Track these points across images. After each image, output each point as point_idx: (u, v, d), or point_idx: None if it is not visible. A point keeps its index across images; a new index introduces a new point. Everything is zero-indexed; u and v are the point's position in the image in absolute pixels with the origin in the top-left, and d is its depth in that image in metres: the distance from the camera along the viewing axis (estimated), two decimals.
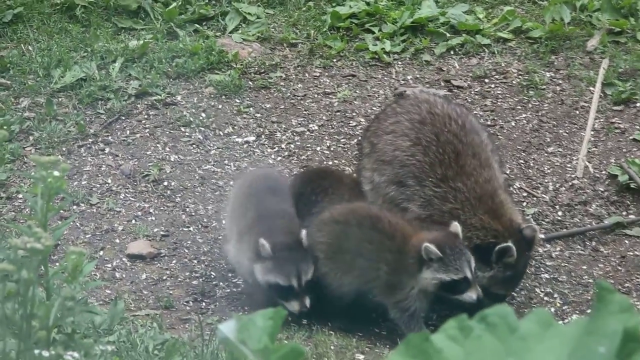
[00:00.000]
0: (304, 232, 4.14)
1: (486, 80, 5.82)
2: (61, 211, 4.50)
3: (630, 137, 5.39)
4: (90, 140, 5.33)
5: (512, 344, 1.65)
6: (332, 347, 3.84)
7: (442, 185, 4.29)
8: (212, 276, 4.46)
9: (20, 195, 4.89)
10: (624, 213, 4.91)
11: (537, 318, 1.69)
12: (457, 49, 6.04)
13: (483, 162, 4.42)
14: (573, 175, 5.14)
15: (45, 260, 2.85)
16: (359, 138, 4.80)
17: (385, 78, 5.84)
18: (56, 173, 2.81)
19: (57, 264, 3.89)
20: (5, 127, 5.13)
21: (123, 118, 5.49)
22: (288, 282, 4.07)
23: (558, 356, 1.63)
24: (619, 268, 4.55)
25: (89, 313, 3.07)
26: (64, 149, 5.27)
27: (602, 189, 5.07)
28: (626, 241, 4.74)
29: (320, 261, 4.18)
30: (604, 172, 5.16)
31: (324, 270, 4.18)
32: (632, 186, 5.02)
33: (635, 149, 5.31)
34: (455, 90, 5.76)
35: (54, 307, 2.63)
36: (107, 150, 5.27)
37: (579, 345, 1.62)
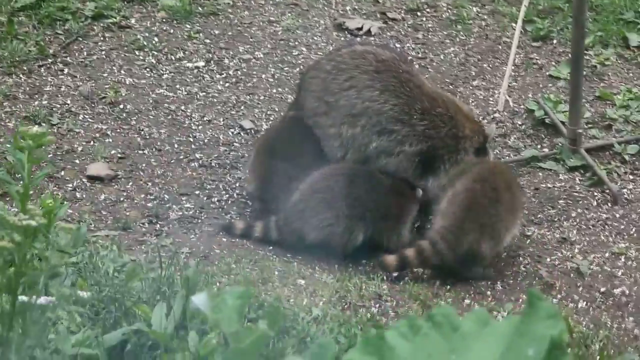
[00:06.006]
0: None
1: (418, 14, 5.88)
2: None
3: (547, 73, 5.52)
4: (49, 60, 5.31)
5: (455, 342, 1.78)
6: (275, 273, 3.97)
7: (426, 116, 4.44)
8: (166, 199, 4.53)
9: None
10: (539, 147, 5.06)
11: (475, 317, 1.82)
12: None
13: (429, 83, 4.66)
14: (495, 109, 5.27)
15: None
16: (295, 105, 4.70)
17: (326, 8, 5.86)
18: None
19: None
20: None
21: (80, 39, 5.46)
22: None
23: (493, 354, 1.76)
24: (533, 199, 4.71)
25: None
26: (25, 68, 5.24)
27: (520, 123, 5.20)
28: (540, 174, 4.89)
29: None
30: (522, 107, 5.29)
31: None
32: (547, 121, 5.16)
33: (550, 85, 5.44)
34: (390, 23, 5.81)
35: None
36: (66, 71, 5.26)
37: (511, 345, 1.76)
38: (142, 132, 4.91)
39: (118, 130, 4.92)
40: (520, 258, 4.39)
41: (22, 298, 2.70)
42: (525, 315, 1.77)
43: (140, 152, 4.80)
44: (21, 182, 2.90)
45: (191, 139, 4.90)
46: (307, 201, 4.28)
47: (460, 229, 4.18)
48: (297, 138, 4.45)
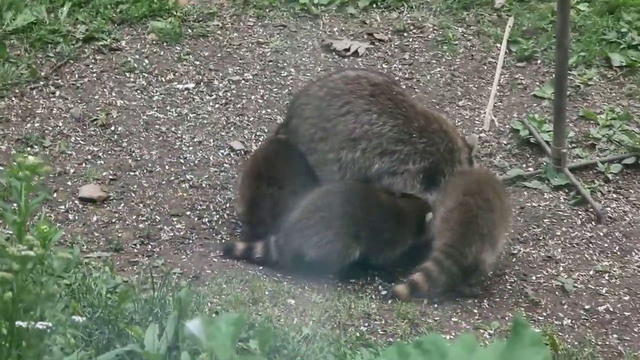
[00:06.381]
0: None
1: (405, 35, 5.95)
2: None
3: (531, 93, 5.59)
4: (41, 83, 5.36)
5: None
6: (266, 293, 4.02)
7: (424, 134, 4.57)
8: (157, 220, 4.58)
9: None
10: (524, 166, 5.13)
11: (463, 343, 1.87)
12: (379, 3, 6.14)
13: (418, 101, 4.79)
14: (480, 128, 5.33)
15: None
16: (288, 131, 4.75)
17: (314, 29, 5.93)
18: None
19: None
20: None
21: (72, 62, 5.52)
22: None
23: None
24: (519, 218, 4.77)
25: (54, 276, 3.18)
26: (17, 91, 5.29)
27: (505, 142, 5.27)
28: (525, 193, 4.96)
29: None
30: (507, 126, 5.35)
31: None
32: (531, 141, 5.23)
33: (535, 104, 5.51)
34: (377, 44, 5.88)
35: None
36: (57, 93, 5.31)
37: None
38: (133, 154, 4.96)
39: (109, 152, 4.97)
40: (506, 276, 4.45)
41: (19, 323, 2.74)
42: (510, 342, 1.83)
43: (132, 173, 4.85)
44: (14, 205, 2.96)
45: (182, 160, 4.95)
46: (307, 219, 4.33)
47: (462, 243, 4.25)
48: (282, 161, 4.51)
